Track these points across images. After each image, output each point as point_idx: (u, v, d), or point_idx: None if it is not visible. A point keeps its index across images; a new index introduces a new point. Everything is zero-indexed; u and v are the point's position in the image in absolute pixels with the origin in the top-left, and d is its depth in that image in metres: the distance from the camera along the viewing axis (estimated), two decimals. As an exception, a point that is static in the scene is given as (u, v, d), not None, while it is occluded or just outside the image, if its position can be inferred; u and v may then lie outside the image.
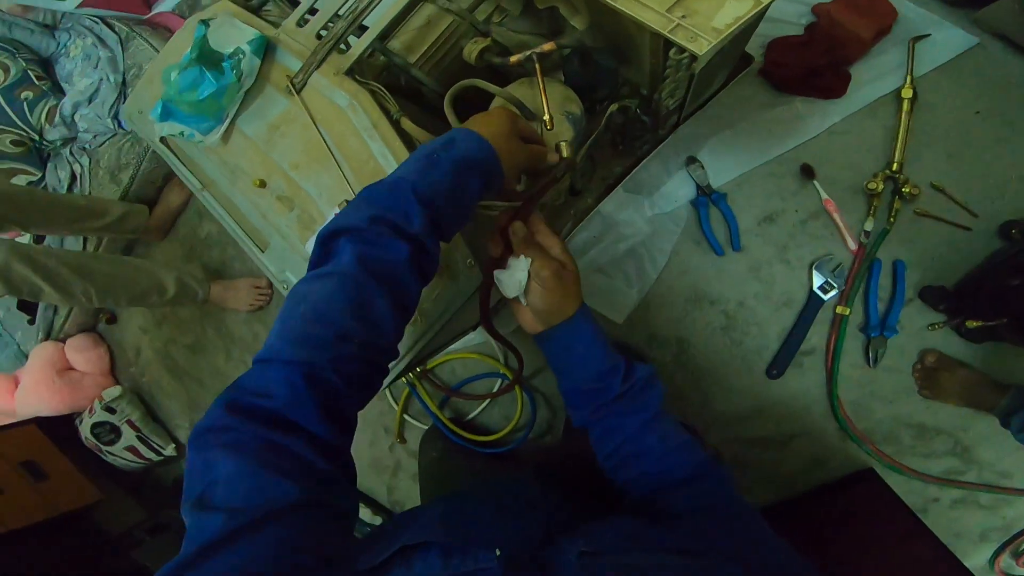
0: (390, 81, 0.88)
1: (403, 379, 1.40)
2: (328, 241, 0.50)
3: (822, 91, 1.16)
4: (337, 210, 0.74)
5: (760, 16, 0.66)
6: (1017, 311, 0.93)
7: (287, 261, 0.82)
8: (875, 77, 1.16)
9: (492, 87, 0.69)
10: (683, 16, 0.63)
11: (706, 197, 1.20)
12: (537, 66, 0.70)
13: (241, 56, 0.69)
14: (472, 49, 0.72)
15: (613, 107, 0.83)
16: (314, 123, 0.73)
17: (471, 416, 1.42)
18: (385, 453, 1.55)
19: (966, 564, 1.14)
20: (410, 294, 0.52)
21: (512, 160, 0.59)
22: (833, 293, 1.15)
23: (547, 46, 0.69)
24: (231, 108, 0.75)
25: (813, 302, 1.16)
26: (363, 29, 0.73)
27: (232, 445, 0.40)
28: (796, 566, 0.45)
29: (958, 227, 1.11)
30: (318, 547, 0.38)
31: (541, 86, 0.70)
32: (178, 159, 0.88)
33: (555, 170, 0.68)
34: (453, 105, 0.69)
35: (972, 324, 1.02)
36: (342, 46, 0.73)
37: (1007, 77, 1.12)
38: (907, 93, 1.12)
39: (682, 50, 0.64)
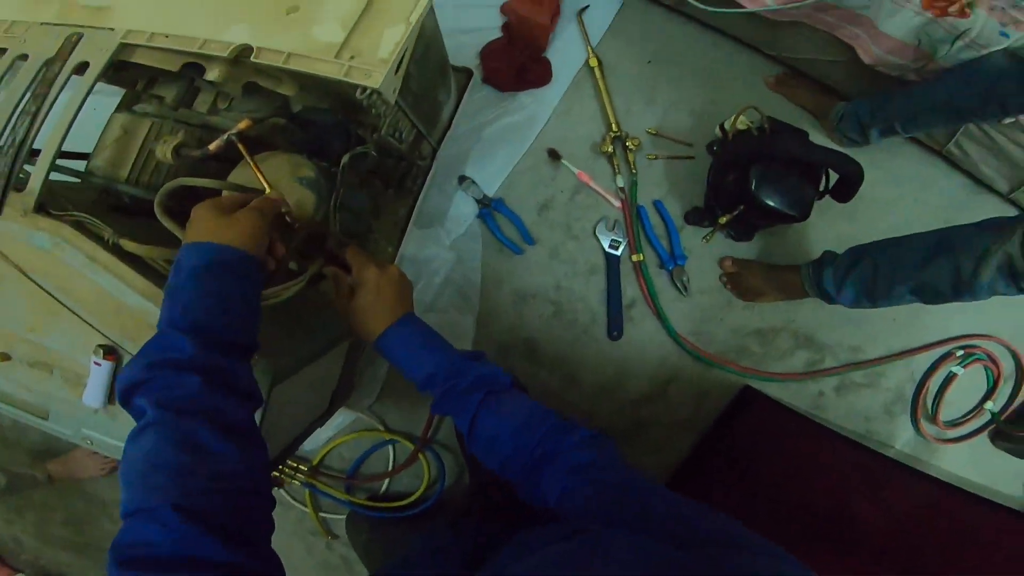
0: (111, 201, 0.84)
1: (298, 482, 1.38)
2: (126, 403, 0.51)
3: (533, 82, 1.29)
4: (95, 357, 0.68)
5: (417, 34, 0.71)
6: (740, 196, 1.09)
7: (76, 419, 0.73)
8: (566, 56, 1.30)
9: (200, 181, 0.68)
10: (352, 57, 0.67)
11: (487, 208, 1.29)
12: (240, 146, 0.71)
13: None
14: (164, 149, 0.71)
15: (345, 159, 0.86)
16: (26, 276, 0.67)
17: (383, 490, 1.39)
18: (327, 554, 1.47)
19: (898, 444, 1.25)
20: (229, 415, 0.51)
21: (242, 235, 0.58)
22: (623, 247, 1.28)
23: (242, 124, 0.71)
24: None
25: (612, 261, 1.28)
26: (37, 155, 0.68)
27: None
28: (688, 512, 0.44)
29: (684, 159, 1.29)
30: None
31: (252, 164, 0.71)
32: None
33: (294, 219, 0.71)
34: (167, 213, 0.66)
35: (723, 219, 1.16)
36: (20, 177, 0.67)
37: (654, 25, 1.30)
38: (593, 62, 1.28)
39: (364, 88, 0.69)
